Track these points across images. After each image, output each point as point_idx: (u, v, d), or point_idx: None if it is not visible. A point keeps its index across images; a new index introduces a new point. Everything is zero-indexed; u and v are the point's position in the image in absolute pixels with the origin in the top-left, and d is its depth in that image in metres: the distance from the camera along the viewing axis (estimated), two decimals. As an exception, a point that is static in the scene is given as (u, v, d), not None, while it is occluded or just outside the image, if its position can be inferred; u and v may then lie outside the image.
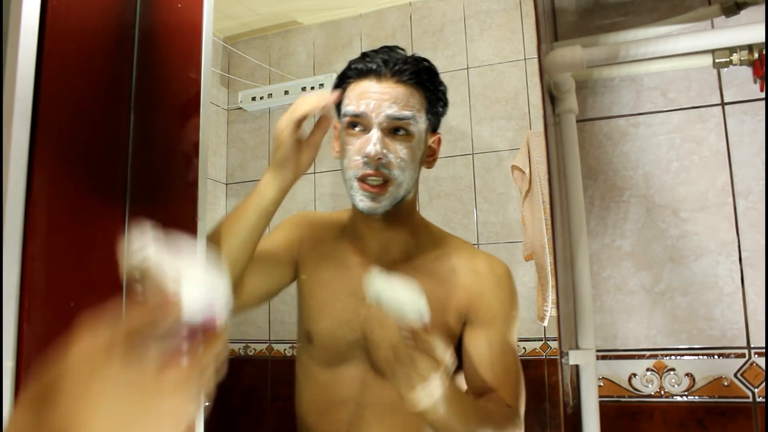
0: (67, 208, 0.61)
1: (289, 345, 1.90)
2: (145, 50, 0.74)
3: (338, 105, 0.96)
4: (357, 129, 0.92)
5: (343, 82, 0.96)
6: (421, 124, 0.93)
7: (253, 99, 1.95)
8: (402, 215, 0.97)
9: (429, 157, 0.99)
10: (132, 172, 0.71)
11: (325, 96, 0.87)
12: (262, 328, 1.93)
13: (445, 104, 0.99)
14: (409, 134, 0.91)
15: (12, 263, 0.53)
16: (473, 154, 1.69)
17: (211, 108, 0.86)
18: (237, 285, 0.92)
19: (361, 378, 0.95)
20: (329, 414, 0.97)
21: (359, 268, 0.98)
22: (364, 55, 0.94)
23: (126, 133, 0.71)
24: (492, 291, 0.97)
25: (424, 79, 0.93)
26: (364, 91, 0.91)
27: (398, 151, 0.90)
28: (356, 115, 0.91)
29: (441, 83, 0.97)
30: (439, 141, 1.01)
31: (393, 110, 0.89)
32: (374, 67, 0.91)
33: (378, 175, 0.89)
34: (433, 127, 0.99)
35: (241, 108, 1.98)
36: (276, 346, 1.91)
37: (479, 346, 0.94)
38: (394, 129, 0.91)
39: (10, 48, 0.56)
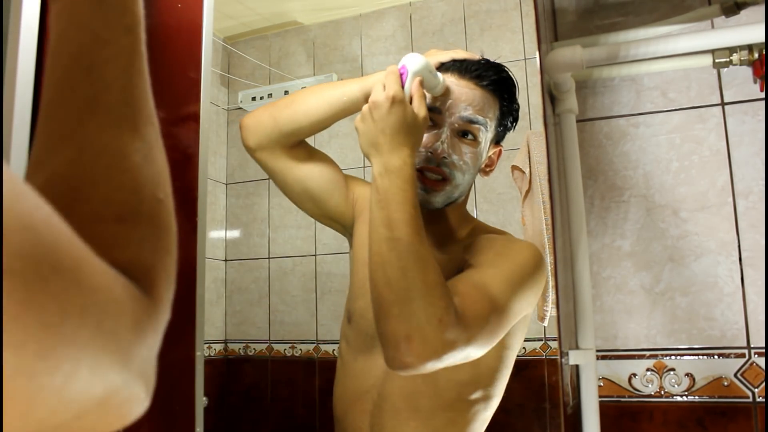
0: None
1: (289, 345, 1.90)
2: (145, 50, 0.74)
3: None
4: (432, 127, 0.91)
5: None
6: (489, 132, 0.93)
7: (253, 99, 1.95)
8: (450, 214, 0.97)
9: (487, 167, 0.99)
10: (132, 172, 0.71)
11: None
12: (262, 328, 1.93)
13: (515, 120, 0.98)
14: (476, 140, 0.91)
15: (12, 263, 0.53)
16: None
17: (211, 108, 0.86)
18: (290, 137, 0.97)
19: (386, 367, 0.94)
20: (356, 404, 0.96)
21: None
22: (463, 58, 0.94)
23: (126, 133, 0.71)
24: (492, 245, 0.89)
25: (502, 89, 0.93)
26: (448, 89, 0.91)
27: (463, 154, 0.90)
28: (431, 109, 0.89)
29: (516, 98, 0.97)
30: (500, 153, 1.00)
31: (468, 113, 0.89)
32: (459, 66, 0.91)
33: (438, 172, 0.89)
34: (498, 139, 0.98)
35: (241, 108, 1.98)
36: (276, 346, 1.91)
37: (454, 278, 0.81)
38: (464, 131, 0.90)
39: (10, 48, 0.56)
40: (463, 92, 0.90)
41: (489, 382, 0.92)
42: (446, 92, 0.90)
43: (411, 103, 0.82)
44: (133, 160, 0.33)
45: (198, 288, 0.76)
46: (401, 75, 0.83)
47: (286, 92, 1.93)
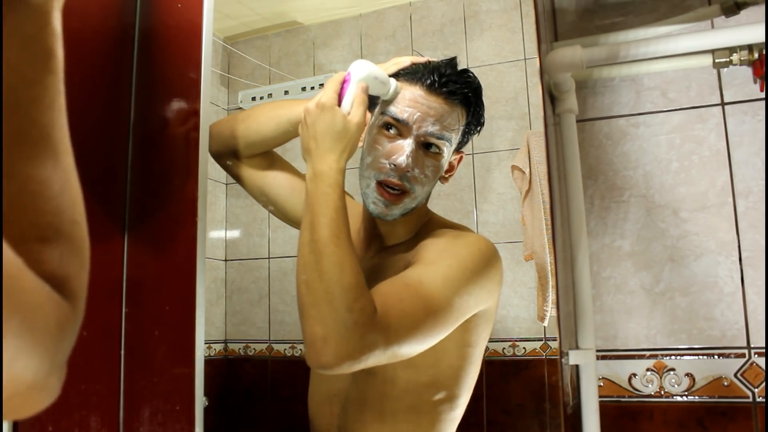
0: (67, 208, 0.61)
1: (289, 345, 1.90)
2: (145, 50, 0.74)
3: (374, 97, 0.94)
4: (392, 132, 0.90)
5: (395, 77, 0.94)
6: (453, 144, 0.93)
7: (253, 99, 1.95)
8: (408, 217, 0.96)
9: (447, 173, 0.98)
10: (132, 172, 0.71)
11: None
12: (262, 328, 1.93)
13: (481, 125, 0.98)
14: (440, 153, 0.91)
15: (12, 263, 0.53)
16: (473, 154, 1.69)
17: (211, 108, 0.86)
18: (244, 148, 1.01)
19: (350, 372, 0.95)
20: (325, 406, 0.97)
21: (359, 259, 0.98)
22: (425, 64, 0.93)
23: (126, 133, 0.71)
24: (437, 242, 0.88)
25: (470, 101, 0.92)
26: (413, 98, 0.89)
27: (425, 167, 0.89)
28: (397, 120, 0.89)
29: (482, 105, 0.96)
30: (460, 159, 1.00)
31: (435, 128, 0.88)
32: (429, 79, 0.90)
33: (399, 187, 0.88)
34: (459, 146, 0.97)
35: (241, 108, 1.98)
36: (276, 346, 1.91)
37: (389, 278, 0.81)
38: (427, 144, 0.90)
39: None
40: (432, 107, 0.88)
41: (452, 382, 0.92)
42: (413, 104, 0.89)
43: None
44: (54, 188, 0.38)
45: (198, 288, 0.76)
46: (345, 82, 0.83)
47: (286, 92, 1.93)
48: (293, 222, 1.07)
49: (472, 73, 0.94)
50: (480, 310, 0.88)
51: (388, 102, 0.90)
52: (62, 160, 0.39)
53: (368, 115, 0.89)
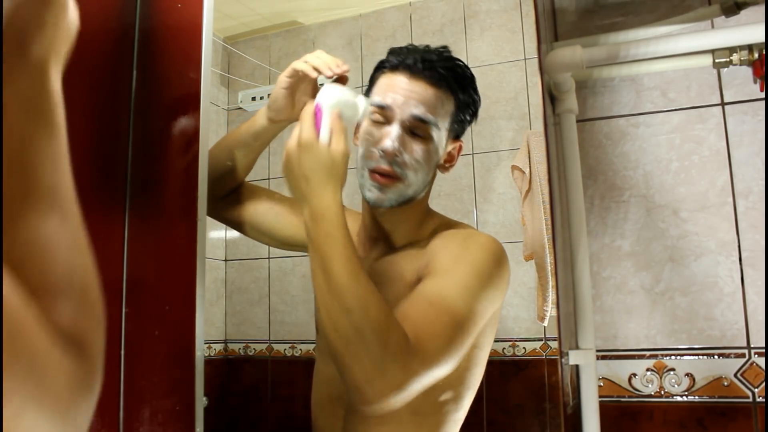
0: (67, 208, 0.61)
1: (289, 345, 1.90)
2: (145, 50, 0.74)
3: (366, 94, 0.96)
4: (379, 120, 0.91)
5: (378, 69, 0.95)
6: (442, 130, 0.92)
7: (253, 99, 1.95)
8: (409, 213, 0.96)
9: (447, 163, 0.98)
10: (132, 172, 0.71)
11: (339, 66, 0.87)
12: (262, 328, 1.93)
13: (474, 114, 0.98)
14: (428, 138, 0.90)
15: (12, 263, 0.53)
16: (473, 154, 1.69)
17: (211, 108, 0.87)
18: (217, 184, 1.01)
19: None
20: (328, 408, 0.96)
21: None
22: (403, 49, 0.93)
23: (126, 133, 0.71)
24: (450, 249, 0.88)
25: (456, 86, 0.92)
26: (394, 84, 0.90)
27: (414, 151, 0.89)
28: (381, 107, 0.90)
29: (474, 93, 0.96)
30: (460, 148, 0.99)
31: (418, 111, 0.88)
32: (410, 62, 0.90)
33: (390, 173, 0.89)
34: (456, 134, 0.97)
35: (241, 108, 1.98)
36: (276, 346, 1.91)
37: (408, 297, 0.80)
38: (415, 129, 0.90)
39: (10, 48, 0.56)
40: (415, 90, 0.89)
41: (458, 384, 0.91)
42: (396, 89, 0.90)
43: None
44: (62, 244, 0.38)
45: (198, 288, 0.76)
46: (317, 113, 0.81)
47: (286, 92, 1.93)
48: (287, 245, 1.08)
49: (460, 61, 0.94)
50: (492, 311, 0.89)
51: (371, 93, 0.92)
52: (69, 218, 0.40)
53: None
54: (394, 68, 0.91)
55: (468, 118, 0.97)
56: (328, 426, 0.96)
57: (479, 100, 0.97)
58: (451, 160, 0.99)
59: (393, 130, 0.88)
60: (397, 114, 0.89)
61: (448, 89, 0.91)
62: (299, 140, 0.79)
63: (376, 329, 0.69)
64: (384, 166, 0.88)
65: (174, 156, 0.79)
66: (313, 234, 0.76)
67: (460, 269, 0.83)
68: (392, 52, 0.94)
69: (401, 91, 0.89)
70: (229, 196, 1.06)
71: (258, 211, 1.07)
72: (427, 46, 0.94)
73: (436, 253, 0.88)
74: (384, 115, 0.90)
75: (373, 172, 0.89)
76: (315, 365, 1.04)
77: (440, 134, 0.92)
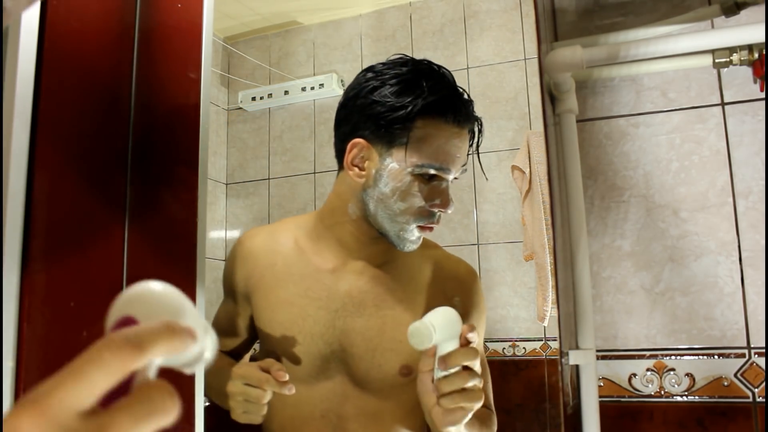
0: (67, 208, 0.61)
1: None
2: (145, 50, 0.74)
3: (402, 138, 0.84)
4: (431, 178, 0.86)
5: (418, 113, 0.83)
6: None
7: (253, 99, 1.95)
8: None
9: None
10: (132, 172, 0.71)
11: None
12: (262, 328, 1.93)
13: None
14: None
15: (12, 263, 0.53)
16: (473, 154, 1.69)
17: (211, 108, 0.86)
18: None
19: (341, 390, 0.92)
20: (311, 426, 0.93)
21: (329, 279, 0.93)
22: (442, 85, 0.84)
23: (126, 133, 0.71)
24: (468, 296, 0.97)
25: (477, 130, 0.91)
26: (448, 141, 0.84)
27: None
28: (438, 168, 0.84)
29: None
30: None
31: (462, 162, 0.88)
32: (454, 111, 0.83)
33: (435, 224, 0.89)
34: None
35: (241, 108, 1.98)
36: (276, 346, 1.91)
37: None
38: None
39: (10, 48, 0.56)
40: (461, 146, 0.87)
41: None
42: (448, 145, 0.84)
43: None
44: None
45: (198, 288, 0.76)
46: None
47: (286, 92, 1.93)
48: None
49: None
50: None
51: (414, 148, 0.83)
52: None
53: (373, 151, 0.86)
54: (442, 114, 0.84)
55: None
56: None
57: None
58: None
59: (448, 189, 0.88)
60: (450, 176, 0.87)
61: (470, 131, 0.90)
62: None
63: None
64: (434, 222, 0.88)
65: (174, 156, 0.79)
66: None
67: (481, 315, 0.99)
68: (433, 88, 0.83)
69: (456, 151, 0.85)
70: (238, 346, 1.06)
71: (240, 344, 1.05)
72: (453, 82, 0.88)
73: (459, 299, 0.95)
74: (434, 176, 0.86)
75: (422, 228, 0.88)
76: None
77: None
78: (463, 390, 0.72)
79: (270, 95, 1.94)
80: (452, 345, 0.74)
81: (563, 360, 1.47)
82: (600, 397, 1.60)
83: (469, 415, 0.73)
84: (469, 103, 0.87)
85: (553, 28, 1.84)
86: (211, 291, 1.98)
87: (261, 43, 2.02)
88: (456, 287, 0.96)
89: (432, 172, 0.84)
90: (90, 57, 0.66)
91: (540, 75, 1.53)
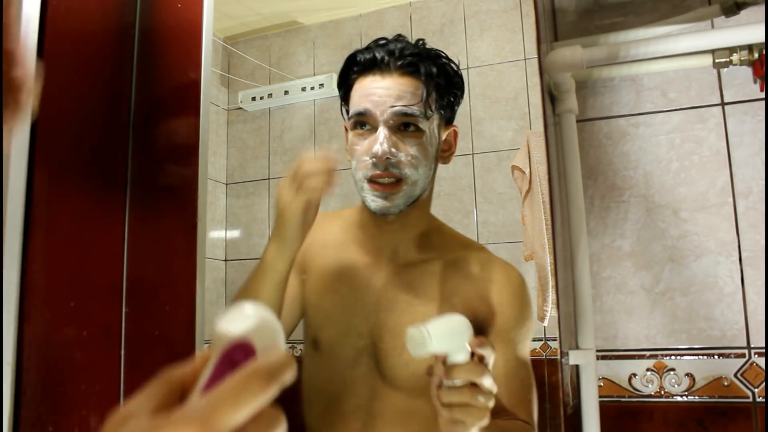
0: (67, 208, 0.61)
1: (289, 345, 1.90)
2: (145, 50, 0.74)
3: (345, 103, 0.93)
4: (364, 128, 0.87)
5: (347, 78, 0.91)
6: (432, 119, 0.88)
7: (253, 99, 1.96)
8: (415, 216, 0.94)
9: (445, 152, 0.94)
10: (132, 172, 0.71)
11: (329, 161, 0.79)
12: (262, 328, 1.92)
13: (460, 94, 0.93)
14: (419, 130, 0.86)
15: (12, 263, 0.53)
16: (473, 154, 1.69)
17: (211, 108, 0.86)
18: None
19: (371, 386, 0.91)
20: (340, 424, 0.93)
21: (368, 272, 0.94)
22: (366, 48, 0.90)
23: (126, 133, 0.71)
24: (509, 304, 0.92)
25: (432, 71, 0.87)
26: (367, 87, 0.87)
27: (408, 149, 0.85)
28: (361, 114, 0.86)
29: (452, 71, 0.91)
30: (455, 134, 0.95)
31: (399, 106, 0.84)
32: (378, 59, 0.87)
33: (389, 176, 0.85)
34: (447, 120, 0.93)
35: (241, 108, 1.98)
36: (276, 346, 1.91)
37: (495, 362, 0.85)
38: (403, 125, 0.86)
39: (10, 48, 0.56)
40: (390, 87, 0.85)
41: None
42: (371, 92, 0.86)
43: None
44: None
45: (198, 288, 0.76)
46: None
47: (286, 92, 1.93)
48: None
49: (423, 41, 0.92)
50: None
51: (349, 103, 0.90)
52: None
53: (346, 125, 0.90)
54: (364, 70, 0.89)
55: (453, 99, 0.93)
56: None
57: (460, 77, 0.94)
58: (449, 148, 0.95)
59: (379, 134, 0.84)
60: (378, 116, 0.85)
61: (422, 75, 0.87)
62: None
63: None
64: (380, 171, 0.85)
65: (174, 156, 0.79)
66: None
67: (524, 325, 0.93)
68: (357, 52, 0.91)
69: (376, 92, 0.86)
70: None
71: (291, 315, 1.00)
72: (385, 38, 0.91)
73: (498, 306, 0.91)
74: (366, 121, 0.87)
75: (370, 181, 0.86)
76: (308, 381, 0.99)
77: (429, 123, 0.88)
78: (467, 405, 0.70)
79: (270, 95, 1.94)
80: (462, 356, 0.71)
81: (563, 360, 1.47)
82: (600, 397, 1.60)
83: (473, 430, 0.71)
84: (401, 47, 0.87)
85: (553, 28, 1.84)
86: (211, 291, 1.98)
87: (261, 43, 2.02)
88: (497, 291, 0.92)
89: (356, 119, 0.88)
90: (90, 57, 0.66)
91: (540, 75, 1.53)
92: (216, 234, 1.99)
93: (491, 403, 0.71)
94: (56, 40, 0.60)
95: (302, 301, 1.00)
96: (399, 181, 0.86)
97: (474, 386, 0.71)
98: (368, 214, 0.94)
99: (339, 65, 0.95)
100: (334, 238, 0.99)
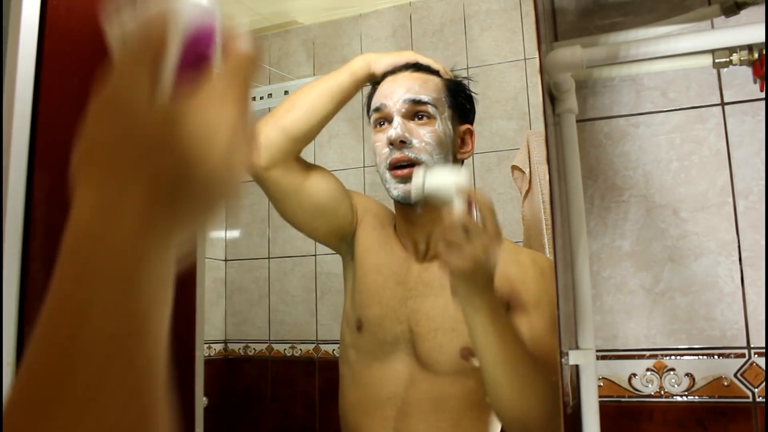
0: (67, 208, 0.61)
1: (289, 345, 1.90)
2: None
3: (368, 115, 1.02)
4: (383, 126, 0.94)
5: (371, 98, 1.01)
6: (442, 109, 0.94)
7: (253, 99, 1.95)
8: (440, 209, 0.97)
9: (461, 149, 1.00)
10: (132, 172, 0.71)
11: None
12: (262, 328, 1.93)
13: (468, 98, 1.00)
14: (430, 117, 0.92)
15: (12, 263, 0.53)
16: (473, 154, 1.69)
17: (211, 108, 0.86)
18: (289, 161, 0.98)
19: (408, 373, 0.94)
20: (375, 412, 0.94)
21: (405, 262, 0.99)
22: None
23: (126, 133, 0.71)
24: (535, 278, 0.99)
25: (440, 74, 0.97)
26: (383, 88, 0.95)
27: (422, 135, 0.91)
28: (377, 109, 0.93)
29: (462, 86, 1.01)
30: (470, 132, 1.01)
31: (410, 94, 0.91)
32: (393, 70, 0.96)
33: (406, 159, 0.90)
34: (461, 118, 0.99)
35: (241, 108, 1.97)
36: (276, 346, 1.91)
37: (522, 331, 0.90)
38: (415, 114, 0.92)
39: (10, 48, 0.56)
40: (401, 82, 0.93)
41: None
42: (386, 89, 0.94)
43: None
44: None
45: (198, 288, 0.76)
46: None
47: (286, 92, 1.93)
48: (338, 230, 1.04)
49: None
50: None
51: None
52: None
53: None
54: (381, 80, 0.98)
55: (463, 100, 0.99)
56: (376, 429, 0.94)
57: (465, 82, 1.02)
58: (464, 145, 1.00)
59: (395, 122, 0.91)
60: (392, 107, 0.92)
61: (431, 72, 0.96)
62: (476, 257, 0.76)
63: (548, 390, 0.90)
64: (397, 155, 0.89)
65: (174, 156, 0.79)
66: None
67: (550, 299, 0.98)
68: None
69: (389, 88, 0.93)
70: (300, 163, 1.02)
71: (323, 185, 1.02)
72: None
73: (523, 282, 0.95)
74: (383, 117, 0.92)
75: (391, 169, 0.92)
76: (346, 369, 1.01)
77: (441, 113, 0.94)
78: (456, 244, 0.75)
79: (270, 95, 1.94)
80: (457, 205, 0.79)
81: (563, 360, 1.47)
82: (600, 397, 1.59)
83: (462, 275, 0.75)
84: (419, 60, 0.97)
85: (553, 28, 1.84)
86: (211, 291, 1.98)
87: (261, 43, 2.02)
88: (517, 270, 0.97)
89: (375, 116, 0.94)
90: (90, 57, 0.66)
91: (540, 75, 1.53)
92: (216, 234, 1.99)
93: (477, 252, 0.75)
94: (56, 41, 0.60)
95: (346, 200, 1.04)
96: (413, 164, 0.91)
97: (469, 232, 0.77)
98: (400, 209, 1.01)
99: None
100: (379, 222, 1.05)
